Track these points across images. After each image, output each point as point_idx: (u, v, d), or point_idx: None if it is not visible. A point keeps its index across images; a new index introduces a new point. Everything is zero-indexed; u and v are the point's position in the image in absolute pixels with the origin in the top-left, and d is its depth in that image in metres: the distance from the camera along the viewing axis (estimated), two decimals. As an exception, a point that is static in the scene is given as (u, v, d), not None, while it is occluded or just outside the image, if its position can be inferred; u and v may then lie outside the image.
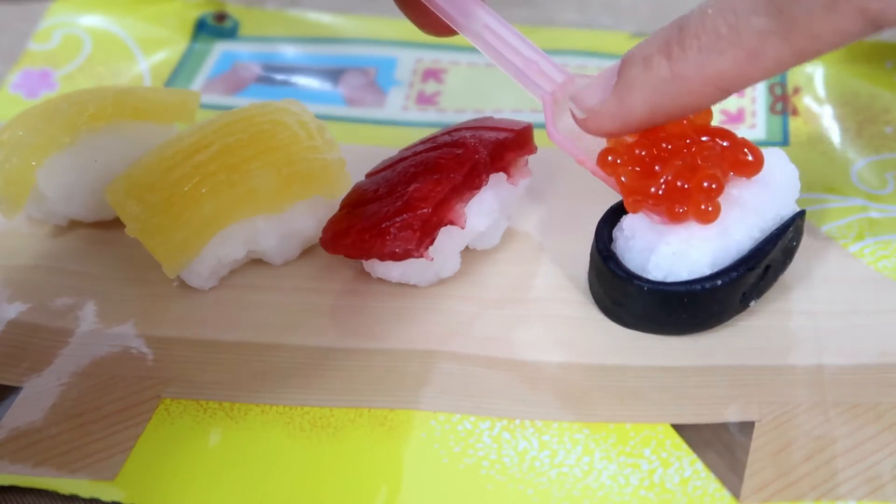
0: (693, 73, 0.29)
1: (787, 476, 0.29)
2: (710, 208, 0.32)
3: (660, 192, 0.32)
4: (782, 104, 0.44)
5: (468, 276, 0.36)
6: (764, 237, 0.33)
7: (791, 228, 0.33)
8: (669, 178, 0.32)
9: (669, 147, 0.32)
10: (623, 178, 0.32)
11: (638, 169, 0.32)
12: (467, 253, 0.37)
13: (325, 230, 0.36)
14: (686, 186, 0.31)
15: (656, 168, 0.32)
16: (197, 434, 0.31)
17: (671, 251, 0.32)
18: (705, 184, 0.31)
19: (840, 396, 0.31)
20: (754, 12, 0.28)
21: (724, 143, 0.32)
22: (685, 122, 0.33)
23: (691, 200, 0.32)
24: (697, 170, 0.32)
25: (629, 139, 0.33)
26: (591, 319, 0.34)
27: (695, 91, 0.30)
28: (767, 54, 0.28)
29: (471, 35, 0.34)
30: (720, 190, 0.32)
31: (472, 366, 0.33)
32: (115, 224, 0.38)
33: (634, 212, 0.33)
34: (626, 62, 0.31)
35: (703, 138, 0.32)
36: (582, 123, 0.33)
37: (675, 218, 0.32)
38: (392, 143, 0.40)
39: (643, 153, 0.32)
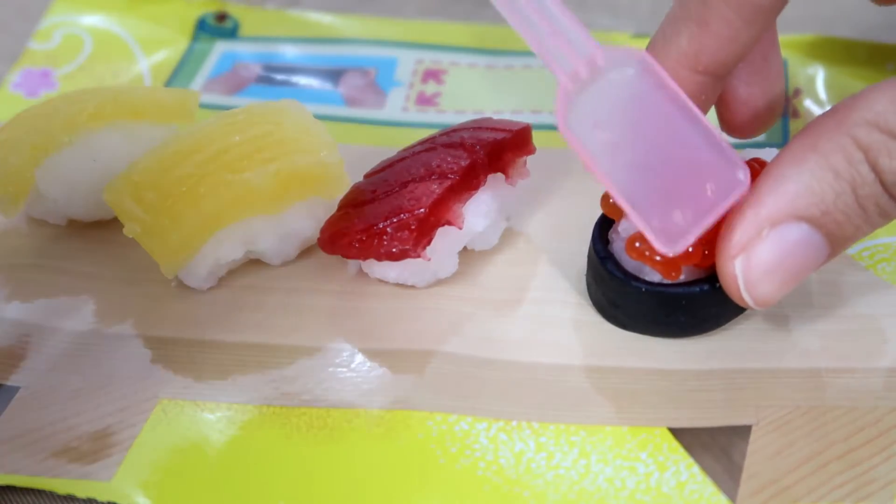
0: (664, 63, 0.29)
1: (784, 480, 0.29)
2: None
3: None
4: (783, 106, 0.44)
5: (466, 277, 0.36)
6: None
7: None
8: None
9: None
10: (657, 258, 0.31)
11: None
12: (465, 254, 0.36)
13: (323, 230, 0.35)
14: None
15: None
16: (194, 435, 0.31)
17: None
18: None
19: (837, 400, 0.31)
20: None
21: None
22: None
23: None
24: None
25: None
26: (588, 321, 0.34)
27: (675, 79, 0.29)
28: (711, 18, 0.28)
29: None
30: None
31: (469, 367, 0.33)
32: (114, 224, 0.38)
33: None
34: None
35: None
36: None
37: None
38: (391, 144, 0.40)
39: None
